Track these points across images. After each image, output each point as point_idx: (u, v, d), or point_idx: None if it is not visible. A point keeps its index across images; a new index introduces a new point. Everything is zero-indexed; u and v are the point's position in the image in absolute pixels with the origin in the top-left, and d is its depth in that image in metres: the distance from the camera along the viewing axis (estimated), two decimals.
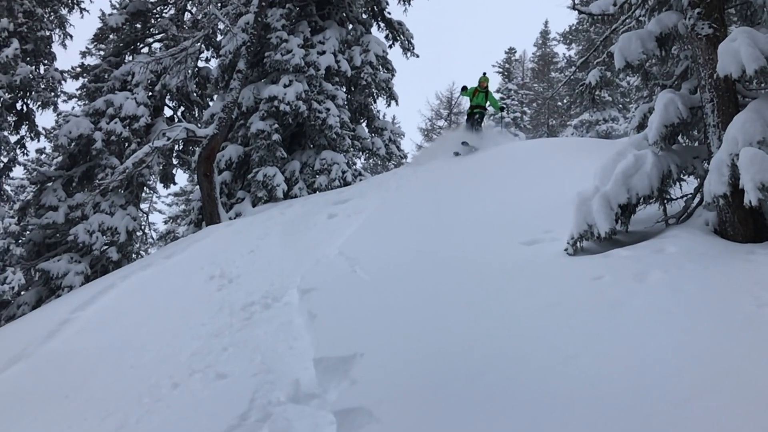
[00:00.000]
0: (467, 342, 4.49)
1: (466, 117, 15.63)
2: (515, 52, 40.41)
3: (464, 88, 15.26)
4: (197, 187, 20.95)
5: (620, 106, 30.90)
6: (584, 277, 5.06)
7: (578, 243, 6.30)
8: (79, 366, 7.73)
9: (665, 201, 6.40)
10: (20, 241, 21.61)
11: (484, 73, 15.27)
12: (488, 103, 15.30)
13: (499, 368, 3.88)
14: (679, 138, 6.58)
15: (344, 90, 20.66)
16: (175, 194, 33.64)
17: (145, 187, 20.82)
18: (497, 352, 4.13)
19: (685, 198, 6.50)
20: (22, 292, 19.37)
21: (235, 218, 16.72)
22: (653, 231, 6.34)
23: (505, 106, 22.21)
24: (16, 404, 7.30)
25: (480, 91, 15.03)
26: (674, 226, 6.16)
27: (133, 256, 20.25)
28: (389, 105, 22.03)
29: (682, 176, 6.25)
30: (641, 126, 7.13)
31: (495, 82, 38.92)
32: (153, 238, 30.89)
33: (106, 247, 17.72)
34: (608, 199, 6.27)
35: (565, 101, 35.56)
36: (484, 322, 4.74)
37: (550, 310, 4.49)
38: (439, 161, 14.96)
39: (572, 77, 19.98)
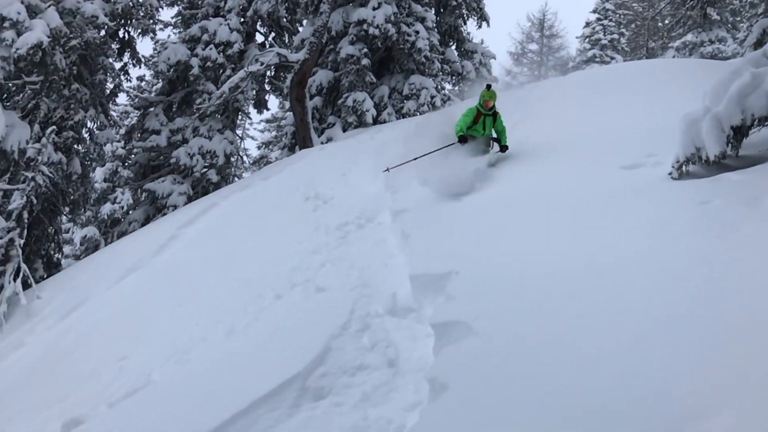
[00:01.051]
0: (567, 262, 4.48)
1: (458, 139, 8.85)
2: None
3: (461, 127, 8.82)
4: (289, 113, 21.37)
5: (729, 25, 28.26)
6: (691, 201, 4.85)
7: (684, 167, 6.01)
8: (187, 277, 8.34)
9: None
10: (127, 163, 22.95)
11: (489, 87, 8.74)
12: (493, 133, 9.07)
13: (601, 288, 3.86)
14: None
15: (433, 11, 20.07)
16: (267, 121, 34.44)
17: (239, 113, 21.43)
18: (598, 272, 4.09)
19: None
20: (130, 211, 20.74)
21: (326, 143, 17.01)
22: (767, 155, 5.94)
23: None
24: (134, 309, 8.02)
25: (484, 115, 8.78)
26: None
27: (232, 178, 21.13)
28: (479, 27, 21.26)
29: None
30: (759, 43, 6.56)
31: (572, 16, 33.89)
32: (247, 164, 32.06)
33: (205, 169, 18.58)
34: (720, 120, 5.89)
35: (666, 21, 32.95)
36: (585, 244, 4.68)
37: (656, 234, 4.36)
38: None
39: None
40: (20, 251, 11.66)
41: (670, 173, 6.06)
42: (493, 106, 8.70)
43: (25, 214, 12.33)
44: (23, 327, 9.44)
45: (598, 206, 5.49)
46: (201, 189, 18.41)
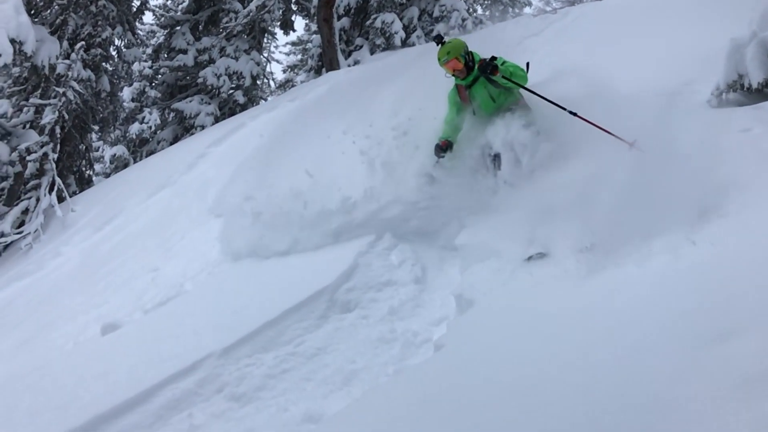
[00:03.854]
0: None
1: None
2: None
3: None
4: (315, 35, 20.95)
5: None
6: (731, 128, 4.73)
7: (724, 94, 5.84)
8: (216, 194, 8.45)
9: None
10: (154, 83, 22.91)
11: (439, 41, 5.39)
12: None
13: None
14: None
15: None
16: (293, 43, 33.78)
17: (266, 33, 21.08)
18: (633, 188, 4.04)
19: None
20: (158, 131, 20.89)
21: (353, 66, 16.73)
22: None
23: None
24: (165, 224, 8.22)
25: (470, 82, 5.41)
26: None
27: (258, 100, 21.03)
28: None
29: None
30: None
31: None
32: (273, 87, 31.76)
33: (232, 90, 18.51)
34: (766, 45, 5.66)
35: None
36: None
37: (692, 159, 4.28)
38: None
39: None
40: (54, 165, 11.91)
41: (708, 100, 5.90)
42: (467, 61, 5.27)
43: (57, 130, 12.50)
44: (59, 238, 9.77)
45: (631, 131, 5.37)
46: (228, 110, 18.41)
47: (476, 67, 5.25)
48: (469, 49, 5.33)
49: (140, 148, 21.02)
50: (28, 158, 12.31)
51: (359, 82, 11.40)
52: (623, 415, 2.13)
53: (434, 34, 17.64)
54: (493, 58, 5.07)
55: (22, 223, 11.73)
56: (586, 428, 2.14)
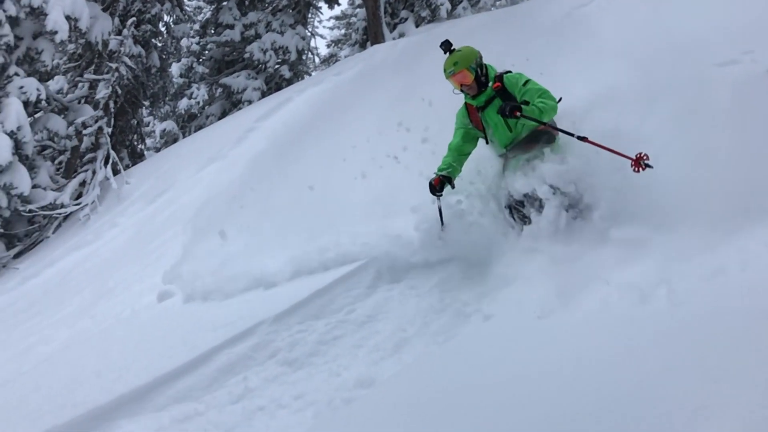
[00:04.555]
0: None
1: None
2: None
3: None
4: (360, 9, 20.81)
5: None
6: None
7: None
8: (268, 168, 8.57)
9: None
10: (202, 59, 23.23)
11: (447, 48, 4.29)
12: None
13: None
14: None
15: None
16: (337, 18, 33.68)
17: (311, 7, 21.06)
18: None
19: None
20: (206, 106, 21.23)
21: (398, 39, 16.60)
22: None
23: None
24: (217, 193, 8.40)
25: (482, 104, 4.33)
26: None
27: (303, 75, 21.13)
28: None
29: None
30: None
31: None
32: (316, 62, 31.81)
33: (278, 65, 18.64)
34: None
35: None
36: (682, 142, 4.47)
37: (751, 131, 4.13)
38: None
39: None
40: (108, 139, 12.26)
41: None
42: (478, 75, 4.21)
43: (111, 104, 12.84)
44: (115, 209, 10.11)
45: (690, 100, 5.19)
46: (274, 85, 18.55)
47: (490, 85, 4.22)
48: (483, 61, 4.29)
49: (189, 123, 21.44)
50: (84, 132, 12.72)
51: (403, 58, 11.06)
52: None
53: (480, 5, 17.37)
54: (506, 90, 4.16)
55: (79, 195, 12.18)
56: None
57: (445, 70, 4.22)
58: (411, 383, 3.13)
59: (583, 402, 2.21)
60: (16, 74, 12.58)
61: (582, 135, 3.74)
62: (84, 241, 8.94)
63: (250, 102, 17.42)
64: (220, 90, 19.41)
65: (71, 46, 14.26)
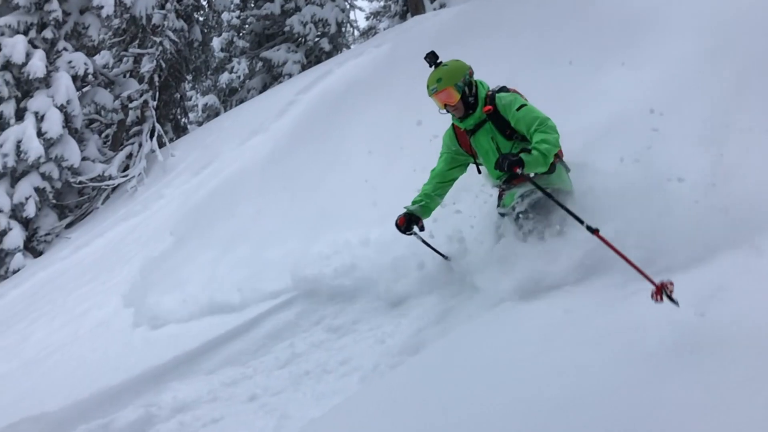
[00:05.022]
0: None
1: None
2: None
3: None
4: None
5: None
6: None
7: None
8: (310, 139, 8.62)
9: None
10: (242, 33, 23.35)
11: (432, 61, 3.61)
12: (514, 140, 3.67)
13: None
14: None
15: None
16: None
17: None
18: None
19: None
20: (247, 80, 21.40)
21: (439, 9, 16.37)
22: None
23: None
24: (261, 167, 8.50)
25: (471, 127, 3.68)
26: None
27: (342, 48, 21.08)
28: None
29: None
30: None
31: None
32: (355, 35, 31.64)
33: (317, 38, 18.63)
34: None
35: None
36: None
37: None
38: None
39: None
40: (154, 112, 12.51)
41: None
42: (466, 95, 3.57)
43: (156, 78, 13.07)
44: (161, 181, 10.35)
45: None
46: (314, 58, 18.57)
47: (479, 107, 3.59)
48: (473, 78, 3.62)
49: (230, 97, 21.67)
50: (129, 106, 13.00)
51: (443, 31, 10.45)
52: None
53: None
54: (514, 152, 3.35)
55: (126, 167, 12.51)
56: None
57: (427, 87, 3.55)
58: (455, 351, 3.16)
59: None
60: (65, 49, 12.90)
61: (594, 227, 2.92)
62: (132, 212, 9.21)
63: (290, 75, 17.49)
64: (260, 64, 19.53)
65: (116, 21, 14.52)
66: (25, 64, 12.22)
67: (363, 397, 3.17)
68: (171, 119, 16.88)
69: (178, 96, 17.16)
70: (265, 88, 18.53)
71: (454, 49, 7.92)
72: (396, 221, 3.79)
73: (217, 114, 20.94)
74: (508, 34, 7.09)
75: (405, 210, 3.80)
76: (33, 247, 12.56)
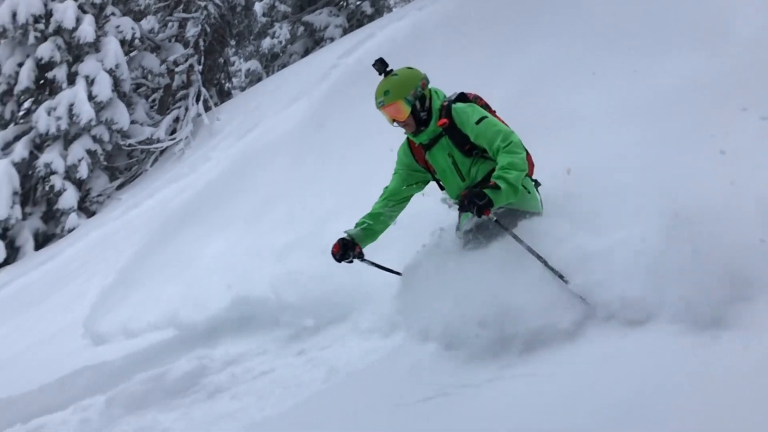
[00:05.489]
0: None
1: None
2: None
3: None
4: None
5: None
6: None
7: None
8: (350, 103, 8.65)
9: None
10: None
11: (382, 68, 3.19)
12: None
13: None
14: None
15: None
16: None
17: None
18: None
19: None
20: (289, 45, 21.38)
21: None
22: None
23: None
24: (304, 131, 8.59)
25: (427, 142, 3.24)
26: None
27: (384, 11, 20.84)
28: None
29: None
30: None
31: None
32: None
33: (359, 1, 18.48)
34: None
35: None
36: None
37: None
38: None
39: None
40: (200, 76, 12.69)
41: None
42: (417, 109, 3.16)
43: (201, 42, 13.21)
44: (208, 144, 10.57)
45: None
46: (356, 22, 18.43)
47: (433, 121, 3.19)
48: (429, 87, 3.21)
49: (272, 62, 21.73)
50: (175, 70, 13.20)
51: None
52: None
53: None
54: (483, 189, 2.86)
55: (174, 131, 12.78)
56: None
57: (375, 99, 3.14)
58: None
59: None
60: (113, 14, 13.13)
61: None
62: (180, 174, 9.45)
63: (332, 39, 17.42)
64: (302, 28, 19.47)
65: None
66: (75, 29, 12.51)
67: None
68: (215, 84, 17.07)
69: (222, 61, 17.30)
70: (306, 52, 18.51)
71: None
72: (332, 248, 3.29)
73: (259, 79, 21.04)
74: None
75: (345, 234, 3.30)
76: (86, 208, 13.05)
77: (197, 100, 12.43)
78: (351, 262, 3.32)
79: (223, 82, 17.46)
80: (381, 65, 3.18)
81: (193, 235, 6.65)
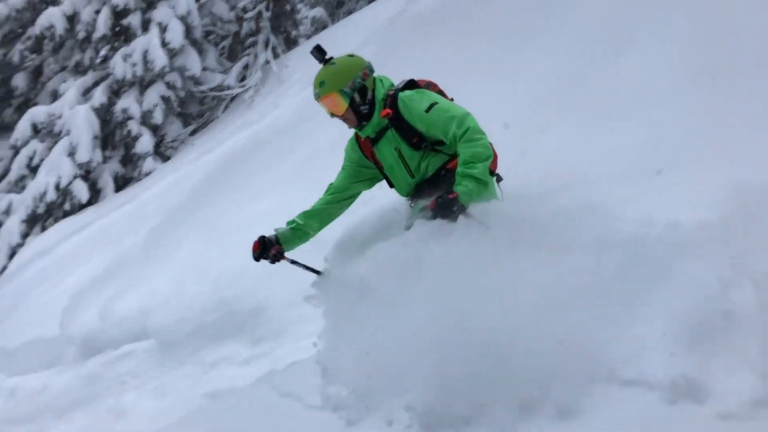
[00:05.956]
0: None
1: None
2: None
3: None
4: None
5: None
6: None
7: None
8: (413, 51, 8.50)
9: None
10: None
11: (320, 56, 2.97)
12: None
13: None
14: None
15: None
16: None
17: None
18: None
19: None
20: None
21: None
22: None
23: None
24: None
25: (373, 135, 2.98)
26: None
27: None
28: None
29: None
30: None
31: None
32: None
33: None
34: None
35: None
36: None
37: None
38: None
39: None
40: (269, 24, 12.76)
41: None
42: (357, 102, 2.89)
43: None
44: (276, 91, 10.71)
45: None
46: None
47: (376, 112, 2.91)
48: (374, 76, 2.97)
49: (338, 9, 21.55)
50: (244, 17, 13.31)
51: None
52: None
53: None
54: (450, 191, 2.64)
55: (243, 78, 12.99)
56: None
57: (320, 87, 2.88)
58: None
59: None
60: None
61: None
62: (251, 120, 9.65)
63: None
64: None
65: None
66: None
67: None
68: (282, 32, 17.10)
69: (289, 8, 17.28)
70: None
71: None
72: (252, 246, 3.06)
73: (324, 27, 20.96)
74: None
75: (274, 232, 3.07)
76: (161, 152, 13.55)
77: (266, 48, 12.54)
78: (273, 262, 3.09)
79: (289, 30, 17.47)
80: (319, 53, 2.95)
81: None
